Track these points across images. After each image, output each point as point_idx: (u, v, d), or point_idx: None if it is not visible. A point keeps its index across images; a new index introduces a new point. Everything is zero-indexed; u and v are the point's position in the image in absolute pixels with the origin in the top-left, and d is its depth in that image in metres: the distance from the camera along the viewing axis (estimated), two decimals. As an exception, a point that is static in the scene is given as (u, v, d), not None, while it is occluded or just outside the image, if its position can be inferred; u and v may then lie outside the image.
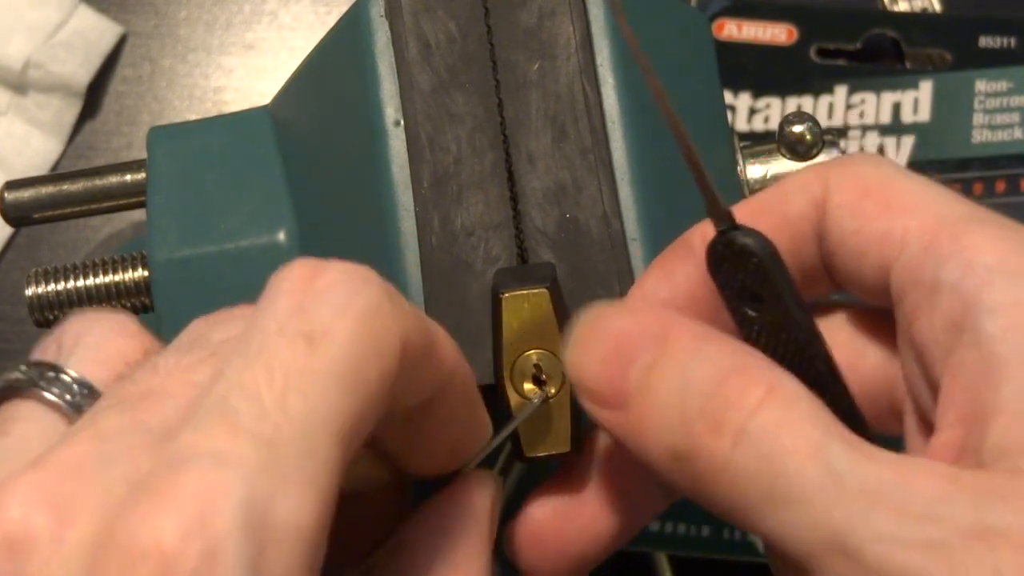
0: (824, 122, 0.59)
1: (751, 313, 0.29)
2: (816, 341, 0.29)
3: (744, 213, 0.30)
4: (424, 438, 0.30)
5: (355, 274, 0.26)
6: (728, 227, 0.29)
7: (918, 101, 0.60)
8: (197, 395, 0.25)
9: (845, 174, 0.30)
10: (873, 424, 0.31)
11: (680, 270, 0.31)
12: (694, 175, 0.29)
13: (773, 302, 0.29)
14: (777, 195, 0.31)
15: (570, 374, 0.30)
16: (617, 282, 0.34)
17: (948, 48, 0.61)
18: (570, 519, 0.32)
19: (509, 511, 0.34)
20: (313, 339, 0.25)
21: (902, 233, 0.29)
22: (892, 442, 0.29)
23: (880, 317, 0.31)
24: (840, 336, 0.31)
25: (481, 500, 0.31)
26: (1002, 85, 0.59)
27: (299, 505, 0.24)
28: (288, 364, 0.25)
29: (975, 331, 0.26)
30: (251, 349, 0.25)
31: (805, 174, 0.31)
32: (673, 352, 0.28)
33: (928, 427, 0.28)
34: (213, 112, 0.65)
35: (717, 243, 0.29)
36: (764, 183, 0.39)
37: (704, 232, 0.30)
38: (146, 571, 0.22)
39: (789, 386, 0.27)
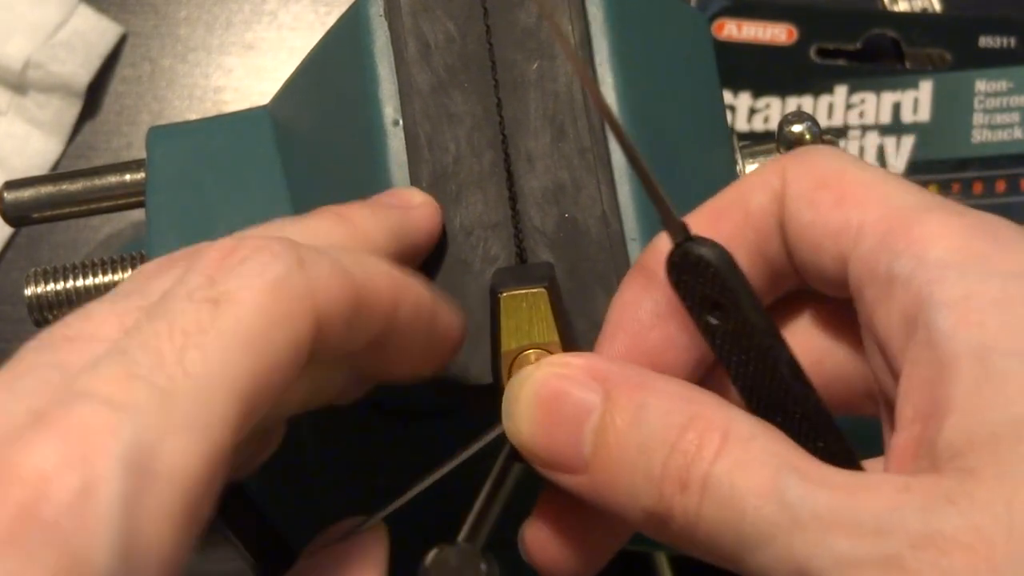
0: (824, 122, 0.59)
1: (713, 322, 0.29)
2: (779, 345, 0.29)
3: (707, 212, 0.30)
4: (390, 358, 0.31)
5: (268, 247, 0.27)
6: (684, 238, 0.29)
7: (918, 101, 0.60)
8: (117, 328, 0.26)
9: (801, 165, 0.30)
10: (851, 409, 0.31)
11: (646, 296, 0.31)
12: (645, 187, 0.29)
13: (733, 309, 0.29)
14: (738, 192, 0.31)
15: (517, 445, 0.30)
16: (616, 282, 0.34)
17: (948, 48, 0.61)
18: (582, 523, 0.32)
19: (509, 511, 0.34)
20: (219, 303, 0.26)
21: (857, 226, 0.29)
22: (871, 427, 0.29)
23: (846, 308, 0.31)
24: (808, 330, 0.31)
25: (376, 551, 0.32)
26: (1002, 85, 0.59)
27: (184, 452, 0.24)
28: (191, 324, 0.26)
29: (927, 327, 0.26)
30: (158, 310, 0.26)
31: (764, 168, 0.31)
32: (619, 410, 0.28)
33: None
34: (213, 112, 0.65)
35: (674, 255, 0.29)
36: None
37: (657, 251, 0.30)
38: (20, 493, 0.23)
39: (742, 426, 0.27)
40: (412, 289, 0.30)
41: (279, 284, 0.27)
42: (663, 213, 0.29)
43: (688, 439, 0.27)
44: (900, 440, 0.27)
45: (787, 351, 0.29)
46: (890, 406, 0.29)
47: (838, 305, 0.31)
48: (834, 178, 0.29)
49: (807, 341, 0.31)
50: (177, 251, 0.30)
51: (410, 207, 0.34)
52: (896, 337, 0.27)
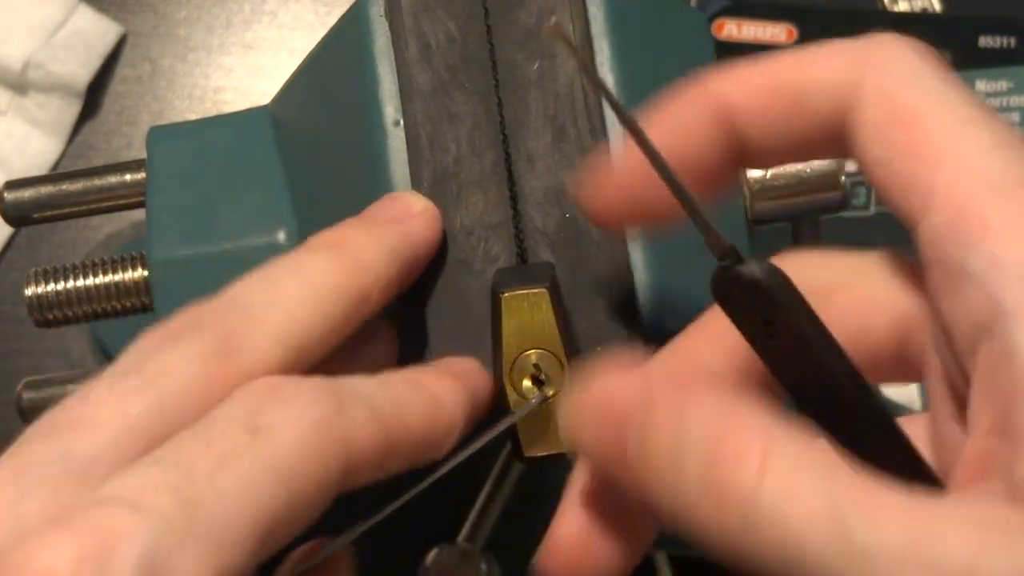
0: (824, 122, 0.59)
1: (768, 339, 0.28)
2: (838, 356, 0.28)
3: (763, 87, 0.29)
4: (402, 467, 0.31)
5: (311, 390, 0.28)
6: (733, 261, 0.28)
7: (918, 101, 0.60)
8: (127, 426, 0.26)
9: (879, 84, 0.27)
10: (882, 378, 0.30)
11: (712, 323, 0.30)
12: (687, 211, 0.28)
13: (787, 328, 0.28)
14: (795, 83, 0.29)
15: (571, 440, 0.29)
16: (616, 281, 0.34)
17: (948, 48, 0.61)
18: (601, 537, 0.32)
19: (509, 511, 0.34)
20: (259, 433, 0.26)
21: (927, 189, 0.26)
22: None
23: (878, 268, 0.29)
24: (845, 303, 0.30)
25: None
26: (1002, 85, 0.59)
27: (199, 567, 0.25)
28: (228, 446, 0.26)
29: (1005, 340, 0.25)
30: (198, 428, 0.27)
31: (834, 67, 0.28)
32: (658, 418, 0.27)
33: (957, 398, 0.27)
34: (213, 112, 0.65)
35: (723, 278, 0.28)
36: (764, 183, 0.39)
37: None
38: None
39: (784, 443, 0.25)
40: (444, 416, 0.31)
41: (318, 427, 0.27)
42: (707, 233, 0.28)
43: (724, 453, 0.26)
44: (972, 451, 0.26)
45: (846, 361, 0.28)
46: (949, 383, 0.28)
47: (871, 271, 0.30)
48: (912, 116, 0.27)
49: (841, 320, 0.29)
50: (172, 319, 0.30)
51: (410, 217, 0.33)
52: (965, 335, 0.26)
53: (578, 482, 0.31)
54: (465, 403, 0.32)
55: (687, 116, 0.30)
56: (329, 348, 0.31)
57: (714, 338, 0.31)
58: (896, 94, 0.27)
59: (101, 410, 0.27)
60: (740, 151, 0.30)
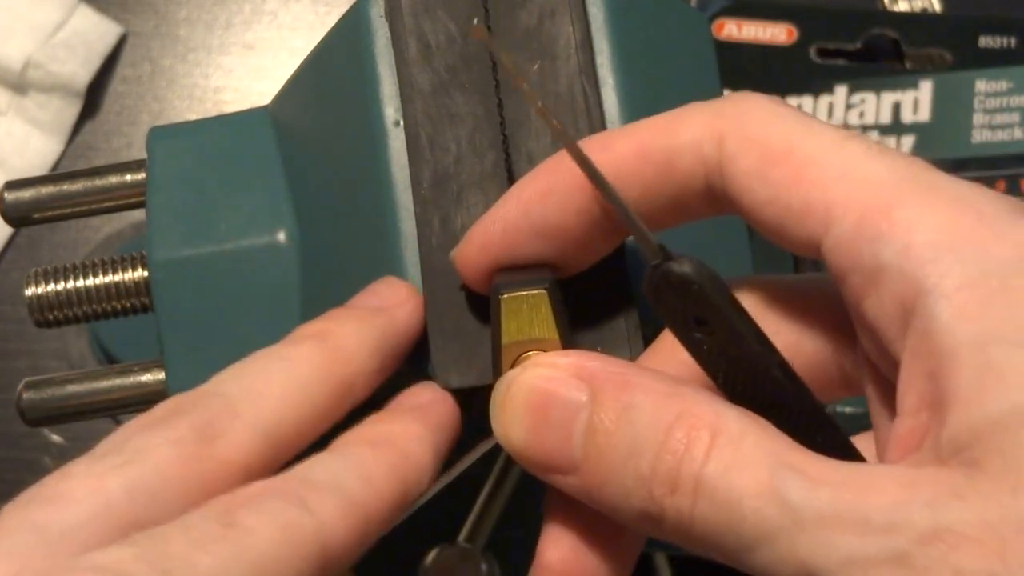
0: (824, 122, 0.59)
1: (699, 336, 0.29)
2: (769, 351, 0.29)
3: (634, 148, 0.30)
4: None
5: (274, 493, 0.28)
6: (662, 259, 0.28)
7: (918, 101, 0.60)
8: (103, 502, 0.27)
9: (742, 133, 0.29)
10: (828, 395, 0.31)
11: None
12: (618, 212, 0.28)
13: (718, 323, 0.28)
14: (666, 141, 0.30)
15: (507, 449, 0.30)
16: (616, 282, 0.34)
17: (948, 48, 0.61)
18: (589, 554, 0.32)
19: (509, 511, 0.34)
20: (233, 527, 0.27)
21: (824, 208, 0.27)
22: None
23: (809, 291, 0.30)
24: (777, 323, 0.31)
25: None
26: (1002, 85, 0.59)
27: None
28: (204, 536, 0.27)
29: (926, 317, 0.26)
30: (173, 523, 0.27)
31: (694, 122, 0.29)
32: (606, 410, 0.28)
33: (893, 397, 0.28)
34: (213, 112, 0.65)
35: (654, 276, 0.28)
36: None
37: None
38: None
39: (732, 423, 0.27)
40: (413, 467, 0.31)
41: (288, 527, 0.27)
42: (637, 234, 0.28)
43: (676, 438, 0.27)
44: (903, 429, 0.27)
45: (777, 355, 0.29)
46: (884, 387, 0.29)
47: (803, 295, 0.31)
48: (782, 152, 0.28)
49: (777, 338, 0.30)
50: (155, 408, 0.30)
51: (395, 306, 0.34)
52: (891, 325, 0.27)
53: (554, 501, 0.31)
54: (431, 441, 0.32)
55: (557, 186, 0.31)
56: (312, 438, 0.31)
57: (665, 354, 0.31)
58: (765, 137, 0.28)
59: (77, 486, 0.28)
60: (612, 219, 0.31)
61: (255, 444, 0.30)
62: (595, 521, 0.31)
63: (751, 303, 0.31)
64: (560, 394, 0.29)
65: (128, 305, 0.41)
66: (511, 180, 0.35)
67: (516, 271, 0.34)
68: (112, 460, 0.28)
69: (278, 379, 0.31)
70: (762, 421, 0.27)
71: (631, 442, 0.27)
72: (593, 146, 0.30)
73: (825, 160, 0.28)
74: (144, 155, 0.42)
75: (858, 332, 0.29)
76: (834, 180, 0.28)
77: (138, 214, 0.56)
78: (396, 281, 0.34)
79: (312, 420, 0.31)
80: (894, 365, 0.27)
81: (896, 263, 0.26)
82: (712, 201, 0.30)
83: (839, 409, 0.53)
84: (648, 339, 0.34)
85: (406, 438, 0.32)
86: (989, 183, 0.57)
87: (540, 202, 0.31)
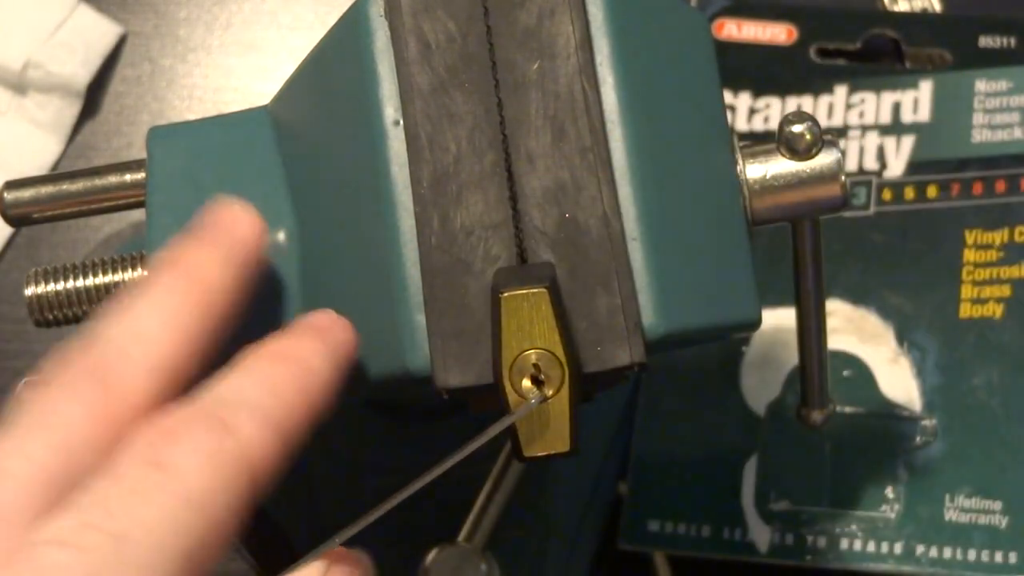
0: (824, 122, 0.59)
1: None
2: None
3: None
4: None
5: (194, 419, 0.29)
6: None
7: (918, 101, 0.60)
8: (34, 469, 0.28)
9: None
10: None
11: None
12: None
13: None
14: None
15: None
16: (616, 282, 0.34)
17: (948, 48, 0.61)
18: None
19: (509, 511, 0.34)
20: (163, 468, 0.28)
21: None
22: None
23: None
24: None
25: None
26: (1002, 85, 0.59)
27: None
28: (139, 483, 0.28)
29: None
30: (102, 471, 0.28)
31: None
32: None
33: None
34: (213, 112, 0.65)
35: None
36: (764, 183, 0.39)
37: None
38: None
39: None
40: (317, 380, 0.32)
41: (215, 454, 0.29)
42: None
43: None
44: None
45: None
46: None
47: None
48: None
49: None
50: (45, 369, 0.31)
51: (233, 223, 0.35)
52: None
53: None
54: (332, 358, 0.33)
55: None
56: (202, 360, 0.32)
57: None
58: None
59: (4, 458, 0.28)
60: None
61: (154, 380, 0.30)
62: None
63: None
64: None
65: (128, 305, 0.41)
66: (511, 180, 0.35)
67: (516, 270, 0.34)
68: (27, 427, 0.29)
69: (152, 312, 0.32)
70: None
71: None
72: None
73: None
74: (144, 155, 0.42)
75: None
76: None
77: (138, 214, 0.56)
78: (230, 201, 0.36)
79: (196, 342, 0.32)
80: None
81: None
82: None
83: (839, 409, 0.53)
84: (650, 340, 0.34)
85: (307, 353, 0.32)
86: (989, 183, 0.57)
87: None
